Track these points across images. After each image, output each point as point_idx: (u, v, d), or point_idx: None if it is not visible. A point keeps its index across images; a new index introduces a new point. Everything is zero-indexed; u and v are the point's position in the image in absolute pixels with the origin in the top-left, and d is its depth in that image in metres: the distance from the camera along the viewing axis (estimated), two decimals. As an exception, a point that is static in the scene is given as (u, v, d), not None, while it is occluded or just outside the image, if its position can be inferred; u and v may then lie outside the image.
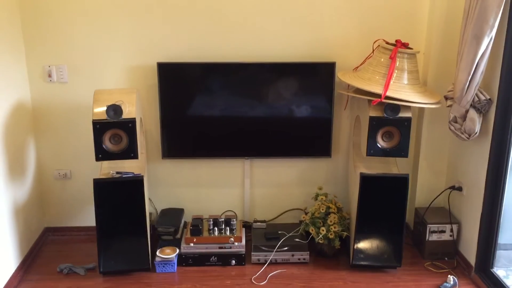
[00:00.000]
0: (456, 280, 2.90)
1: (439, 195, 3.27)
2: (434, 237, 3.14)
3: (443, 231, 3.14)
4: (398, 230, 2.97)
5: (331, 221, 3.06)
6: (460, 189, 3.11)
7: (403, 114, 2.77)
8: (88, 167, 3.32)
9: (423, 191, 3.36)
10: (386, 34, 3.07)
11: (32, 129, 3.24)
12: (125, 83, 3.21)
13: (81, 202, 3.42)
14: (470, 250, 3.00)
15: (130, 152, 2.75)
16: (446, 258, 3.16)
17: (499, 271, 2.91)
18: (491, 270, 2.88)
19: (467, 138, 2.79)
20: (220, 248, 3.05)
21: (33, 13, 3.05)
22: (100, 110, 2.69)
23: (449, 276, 2.90)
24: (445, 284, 2.85)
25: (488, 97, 2.69)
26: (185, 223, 3.37)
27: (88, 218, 3.43)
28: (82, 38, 3.11)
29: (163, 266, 2.99)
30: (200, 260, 3.06)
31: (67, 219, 3.46)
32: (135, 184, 2.85)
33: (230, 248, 3.06)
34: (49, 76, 3.15)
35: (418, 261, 3.15)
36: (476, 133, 2.75)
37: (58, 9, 3.05)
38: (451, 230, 3.13)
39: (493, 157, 2.75)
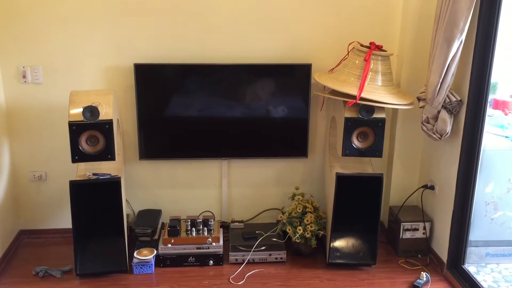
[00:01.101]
0: (429, 277, 2.97)
1: (412, 194, 3.35)
2: (408, 235, 3.22)
3: (416, 229, 3.21)
4: (373, 228, 3.02)
5: (307, 221, 3.10)
6: (432, 188, 3.19)
7: (377, 115, 2.82)
8: (64, 169, 3.29)
9: (397, 190, 3.43)
10: (360, 37, 3.13)
11: (6, 131, 3.19)
12: (101, 84, 3.19)
13: (57, 204, 3.39)
14: (442, 247, 3.07)
15: (107, 154, 2.73)
16: (419, 255, 3.24)
17: (470, 268, 2.99)
18: (463, 266, 2.95)
19: (439, 138, 2.87)
20: (198, 248, 3.06)
21: (6, 13, 3.01)
22: (76, 112, 2.67)
23: (422, 273, 2.97)
24: (418, 280, 2.92)
25: (459, 98, 2.76)
26: (163, 224, 3.37)
27: (64, 220, 3.40)
28: (58, 38, 3.08)
29: (141, 268, 2.99)
30: (178, 260, 3.06)
31: (42, 222, 3.42)
32: (112, 186, 2.84)
33: (208, 248, 3.07)
34: (24, 77, 3.11)
35: (392, 259, 3.22)
36: (448, 133, 2.82)
37: (32, 9, 3.01)
38: (424, 228, 3.21)
39: (463, 157, 2.83)
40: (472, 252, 3.11)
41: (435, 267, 3.12)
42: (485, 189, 3.04)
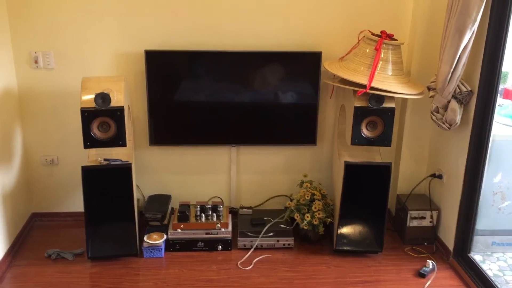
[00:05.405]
0: (435, 265, 3.00)
1: (420, 182, 3.36)
2: (415, 223, 3.24)
3: (424, 217, 3.23)
4: (380, 216, 3.05)
5: (315, 208, 3.13)
6: (440, 177, 3.20)
7: (387, 105, 2.83)
8: (75, 153, 3.33)
9: (405, 178, 3.44)
10: (371, 25, 3.12)
11: (18, 115, 3.23)
12: (112, 70, 3.21)
13: (69, 187, 3.44)
14: (448, 236, 3.10)
15: (118, 140, 2.76)
16: (425, 243, 3.26)
17: (476, 256, 3.02)
18: (469, 255, 2.98)
19: (448, 128, 2.87)
20: (206, 234, 3.11)
21: (18, -1, 3.03)
22: (88, 98, 2.70)
23: (428, 260, 3.00)
24: (424, 268, 2.95)
25: (469, 89, 2.76)
26: (172, 209, 3.41)
27: (75, 203, 3.46)
28: (69, 24, 3.09)
29: (151, 252, 3.04)
30: (187, 245, 3.11)
31: (54, 205, 3.48)
32: (123, 171, 2.88)
33: (217, 234, 3.11)
34: (36, 62, 3.14)
35: (399, 246, 3.25)
36: (457, 123, 2.83)
37: (44, -6, 3.03)
38: (431, 217, 3.23)
39: (472, 147, 2.83)
40: (478, 241, 3.14)
41: (441, 255, 3.15)
42: (493, 179, 3.06)
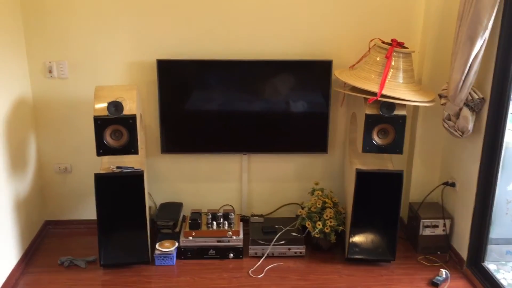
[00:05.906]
0: (448, 274, 2.97)
1: (432, 190, 3.34)
2: (428, 232, 3.21)
3: (436, 226, 3.21)
4: (393, 224, 3.03)
5: (327, 216, 3.12)
6: (453, 185, 3.18)
7: (398, 112, 2.82)
8: (88, 161, 3.36)
9: (417, 186, 3.42)
10: (382, 33, 3.12)
11: (33, 124, 3.28)
12: (124, 79, 3.25)
13: (82, 195, 3.47)
14: (462, 245, 3.07)
15: (130, 148, 2.79)
16: (438, 252, 3.23)
17: (490, 265, 2.99)
18: (483, 264, 2.95)
19: (461, 135, 2.85)
20: (218, 241, 3.11)
21: (34, 9, 3.08)
22: (101, 106, 2.73)
23: (441, 270, 2.97)
24: (437, 277, 2.92)
25: (481, 96, 2.74)
26: (184, 217, 3.42)
27: (88, 211, 3.48)
28: (83, 34, 3.14)
29: (163, 259, 3.05)
30: (198, 253, 3.12)
31: (67, 212, 3.51)
32: (135, 179, 2.90)
33: (228, 241, 3.11)
34: (50, 72, 3.19)
35: (412, 255, 3.22)
36: (469, 130, 2.81)
37: (58, 5, 3.08)
38: (444, 225, 3.20)
39: (485, 154, 2.81)
40: (492, 250, 3.10)
41: (454, 264, 3.11)
42: (506, 187, 3.03)
